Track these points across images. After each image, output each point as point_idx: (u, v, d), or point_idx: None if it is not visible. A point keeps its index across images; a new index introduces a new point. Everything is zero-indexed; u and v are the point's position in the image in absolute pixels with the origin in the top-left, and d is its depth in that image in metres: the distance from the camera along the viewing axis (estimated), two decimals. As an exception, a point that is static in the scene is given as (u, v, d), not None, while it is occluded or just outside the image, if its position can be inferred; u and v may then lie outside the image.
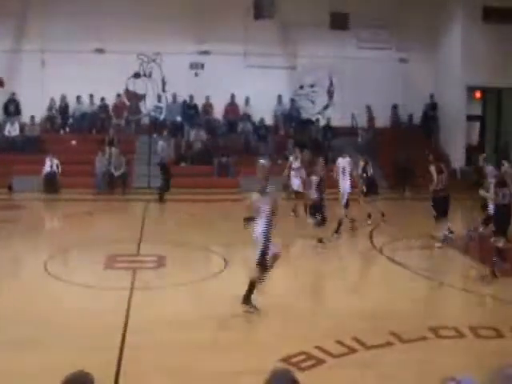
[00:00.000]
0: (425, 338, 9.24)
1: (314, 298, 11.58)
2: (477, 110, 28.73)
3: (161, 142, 23.23)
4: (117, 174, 23.48)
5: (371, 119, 27.21)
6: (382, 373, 8.14)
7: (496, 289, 12.31)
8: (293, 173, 19.61)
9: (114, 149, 24.06)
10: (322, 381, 7.79)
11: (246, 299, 10.27)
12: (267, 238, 10.20)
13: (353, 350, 8.72)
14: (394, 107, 27.94)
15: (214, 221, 19.04)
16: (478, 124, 28.92)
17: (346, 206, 17.44)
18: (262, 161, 11.15)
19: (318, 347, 8.64)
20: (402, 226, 18.19)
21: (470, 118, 27.60)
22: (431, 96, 27.75)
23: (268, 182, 10.44)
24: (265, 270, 10.38)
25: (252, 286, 10.32)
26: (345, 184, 17.77)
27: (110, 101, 26.51)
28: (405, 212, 21.31)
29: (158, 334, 9.19)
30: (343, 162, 18.14)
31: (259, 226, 10.26)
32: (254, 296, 10.30)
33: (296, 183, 19.40)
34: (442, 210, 15.58)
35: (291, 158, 20.19)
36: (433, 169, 15.71)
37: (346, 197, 17.52)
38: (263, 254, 10.22)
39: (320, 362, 8.30)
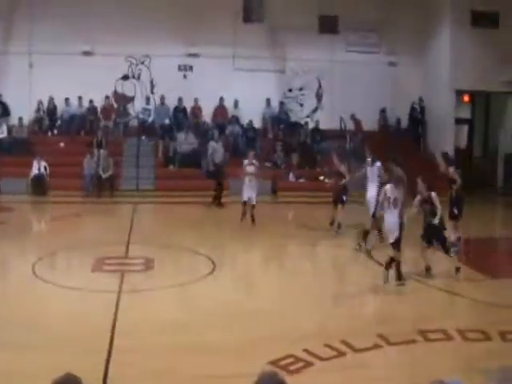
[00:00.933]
0: (413, 341, 9.25)
1: (301, 300, 11.56)
2: (465, 114, 28.87)
3: (214, 145, 22.90)
4: (105, 176, 23.43)
5: (358, 124, 27.23)
6: (370, 375, 8.14)
7: (483, 292, 12.35)
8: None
9: (102, 151, 24.01)
10: (311, 384, 7.80)
11: (399, 276, 12.21)
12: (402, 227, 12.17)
13: (341, 353, 8.72)
14: (383, 111, 28.01)
15: (202, 223, 19.02)
16: (466, 127, 29.04)
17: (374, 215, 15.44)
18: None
19: (306, 350, 8.64)
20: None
21: (458, 121, 27.70)
22: (419, 99, 27.82)
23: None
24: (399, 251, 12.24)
25: (398, 265, 12.23)
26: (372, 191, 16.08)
27: (99, 103, 26.44)
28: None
29: (146, 336, 9.17)
30: (373, 168, 16.53)
31: (394, 217, 12.16)
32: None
33: None
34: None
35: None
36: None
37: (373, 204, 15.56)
38: (399, 240, 12.17)
39: (308, 364, 8.29)
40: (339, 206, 17.28)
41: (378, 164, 16.43)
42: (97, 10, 25.23)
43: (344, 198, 17.17)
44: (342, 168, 17.37)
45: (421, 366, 8.35)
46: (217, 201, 21.60)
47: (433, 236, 13.07)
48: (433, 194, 12.90)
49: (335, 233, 17.23)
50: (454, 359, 8.72)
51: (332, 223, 17.62)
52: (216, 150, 22.53)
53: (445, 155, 17.56)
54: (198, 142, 25.48)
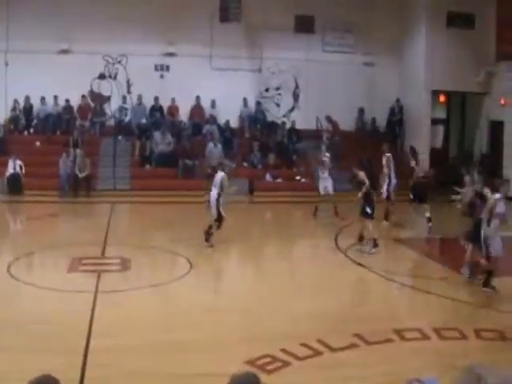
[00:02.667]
0: (389, 340, 9.32)
1: (278, 300, 11.59)
2: (441, 114, 29.06)
3: (212, 146, 22.35)
4: (81, 175, 23.28)
5: (335, 124, 27.28)
6: (347, 374, 8.18)
7: (459, 291, 12.44)
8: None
9: (78, 150, 23.85)
10: (288, 383, 7.82)
11: (487, 283, 12.13)
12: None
13: (318, 353, 8.77)
14: (361, 110, 28.10)
15: (179, 223, 18.98)
16: (442, 127, 29.23)
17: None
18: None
19: (283, 350, 8.67)
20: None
21: (434, 121, 27.86)
22: (397, 100, 27.95)
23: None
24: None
25: (489, 273, 12.21)
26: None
27: (75, 102, 26.26)
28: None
29: (123, 337, 9.16)
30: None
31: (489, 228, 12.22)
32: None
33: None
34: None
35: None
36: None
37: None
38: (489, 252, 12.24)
39: (286, 364, 8.33)
40: (365, 220, 15.77)
41: None
42: (74, 8, 25.06)
43: (368, 211, 15.59)
44: (362, 175, 16.05)
45: (397, 365, 8.40)
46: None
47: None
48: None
49: (367, 253, 15.37)
50: (430, 358, 8.79)
51: (361, 239, 16.00)
52: (212, 152, 21.93)
53: (411, 149, 18.48)
54: (174, 141, 25.42)
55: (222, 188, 15.49)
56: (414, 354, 8.98)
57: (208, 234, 15.56)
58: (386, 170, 19.06)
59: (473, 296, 11.98)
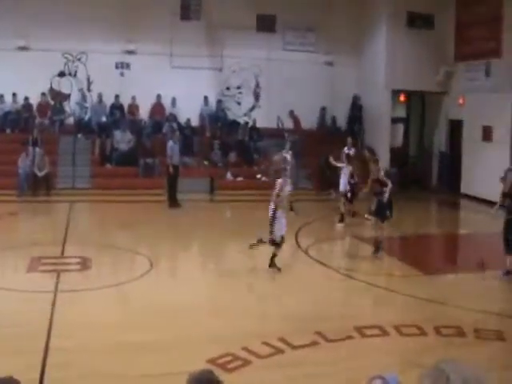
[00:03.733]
0: (350, 337, 9.39)
1: (239, 299, 11.60)
2: (401, 113, 29.33)
3: (172, 145, 21.88)
4: (40, 174, 23.03)
5: (296, 122, 27.38)
6: (308, 372, 8.23)
7: (418, 288, 12.57)
8: None
9: (37, 149, 23.61)
10: (249, 382, 7.84)
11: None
12: None
13: (279, 351, 8.80)
14: (323, 109, 28.21)
15: (139, 222, 18.88)
16: (402, 126, 29.49)
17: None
18: None
19: (244, 348, 8.69)
20: (328, 228, 18.43)
21: (394, 120, 28.09)
22: (356, 98, 28.11)
23: None
24: None
25: None
26: None
27: (34, 100, 25.98)
28: (331, 213, 21.47)
29: (83, 337, 9.09)
30: None
31: None
32: None
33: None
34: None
35: None
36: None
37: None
38: None
39: (247, 362, 8.34)
40: (379, 222, 15.30)
41: None
42: (33, 4, 24.75)
43: (387, 213, 15.10)
44: (381, 174, 15.47)
45: (358, 362, 8.47)
46: (175, 201, 21.25)
47: None
48: None
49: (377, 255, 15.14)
50: (391, 355, 8.88)
51: (376, 245, 15.31)
52: (174, 150, 21.63)
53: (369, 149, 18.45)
54: (134, 139, 25.28)
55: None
56: (374, 351, 9.06)
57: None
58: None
59: (432, 293, 12.10)
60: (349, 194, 18.88)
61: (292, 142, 21.20)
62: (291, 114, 27.09)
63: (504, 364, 8.42)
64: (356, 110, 28.23)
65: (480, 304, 11.33)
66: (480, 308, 11.08)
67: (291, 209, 19.32)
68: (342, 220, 18.65)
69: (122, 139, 25.16)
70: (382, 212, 15.06)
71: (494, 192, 16.42)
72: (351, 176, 19.12)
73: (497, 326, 10.21)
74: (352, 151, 19.86)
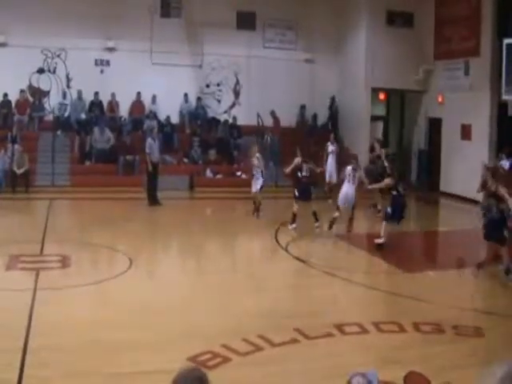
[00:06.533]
0: (330, 335, 9.41)
1: (219, 296, 11.60)
2: (381, 111, 29.45)
3: (151, 142, 21.51)
4: (19, 171, 22.89)
5: (276, 121, 27.38)
6: (288, 369, 8.24)
7: (397, 285, 12.64)
8: None
9: (16, 146, 23.46)
10: (229, 379, 7.82)
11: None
12: None
13: (259, 348, 8.80)
14: (302, 107, 28.26)
15: (118, 220, 18.82)
16: (381, 124, 29.62)
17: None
18: None
19: (224, 345, 8.69)
20: (308, 225, 18.44)
21: (374, 118, 28.20)
22: (334, 97, 28.21)
23: None
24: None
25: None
26: None
27: (13, 96, 25.82)
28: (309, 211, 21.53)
29: (62, 335, 9.05)
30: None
31: None
32: None
33: None
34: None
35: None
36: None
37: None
38: None
39: (226, 360, 8.34)
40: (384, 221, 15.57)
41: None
42: (11, 0, 24.64)
43: (389, 211, 15.42)
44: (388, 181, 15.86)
45: (338, 359, 8.49)
46: (154, 199, 21.03)
47: None
48: None
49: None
50: (370, 351, 8.91)
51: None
52: (153, 147, 21.33)
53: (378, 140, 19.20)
54: (113, 137, 25.18)
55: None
56: (354, 348, 9.09)
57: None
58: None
59: (411, 290, 12.16)
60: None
61: (270, 141, 21.46)
62: (272, 114, 27.03)
63: (483, 360, 8.46)
64: (333, 107, 28.33)
65: (459, 301, 11.42)
66: (459, 305, 11.15)
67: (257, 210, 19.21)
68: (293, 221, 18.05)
69: (101, 137, 25.04)
70: (398, 214, 15.32)
71: (473, 190, 16.56)
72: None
73: (476, 322, 10.26)
74: (334, 146, 20.89)
